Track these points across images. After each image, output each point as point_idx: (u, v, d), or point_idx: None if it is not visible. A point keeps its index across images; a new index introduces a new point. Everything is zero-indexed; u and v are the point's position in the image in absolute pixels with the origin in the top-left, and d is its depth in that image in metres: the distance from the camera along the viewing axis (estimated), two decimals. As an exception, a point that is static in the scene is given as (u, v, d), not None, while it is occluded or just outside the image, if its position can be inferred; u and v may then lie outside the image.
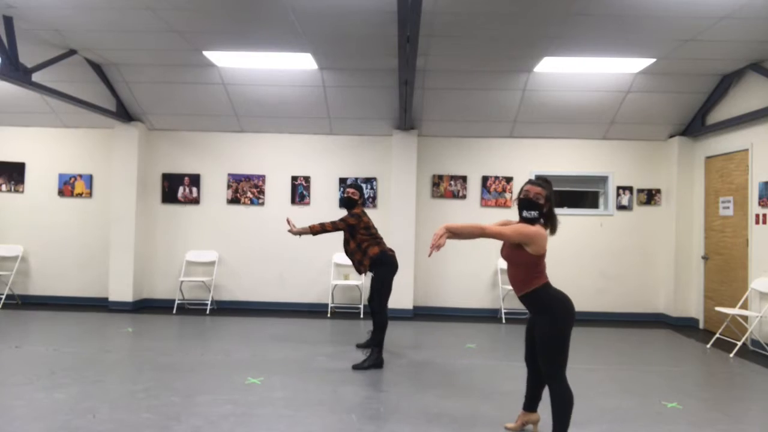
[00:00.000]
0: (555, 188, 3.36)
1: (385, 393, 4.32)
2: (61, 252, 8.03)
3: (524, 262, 3.14)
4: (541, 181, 3.26)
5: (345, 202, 5.37)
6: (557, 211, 3.30)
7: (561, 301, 3.12)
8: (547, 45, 5.85)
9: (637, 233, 7.83)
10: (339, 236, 7.52)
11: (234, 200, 7.99)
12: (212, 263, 7.91)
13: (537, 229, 3.11)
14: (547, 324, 3.09)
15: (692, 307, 7.50)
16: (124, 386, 4.32)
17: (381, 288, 5.15)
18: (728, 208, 6.76)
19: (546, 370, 3.12)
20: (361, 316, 7.45)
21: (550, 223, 3.23)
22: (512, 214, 7.75)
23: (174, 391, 4.18)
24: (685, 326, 7.36)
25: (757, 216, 6.18)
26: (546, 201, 3.19)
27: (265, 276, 7.96)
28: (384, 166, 7.86)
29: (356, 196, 5.33)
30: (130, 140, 7.72)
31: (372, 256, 5.16)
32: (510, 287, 7.42)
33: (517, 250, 3.14)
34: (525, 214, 3.19)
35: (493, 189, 7.89)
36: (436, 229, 7.75)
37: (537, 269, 3.15)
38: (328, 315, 7.57)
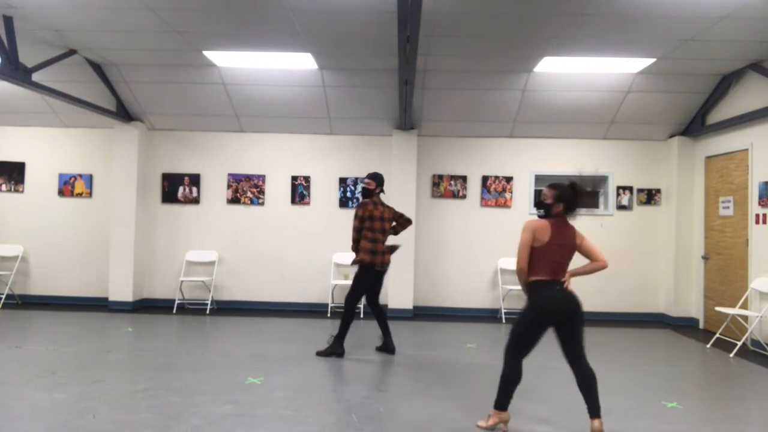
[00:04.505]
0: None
1: (385, 393, 4.33)
2: (61, 252, 8.03)
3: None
4: (554, 184, 3.61)
5: (363, 193, 5.57)
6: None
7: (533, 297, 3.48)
8: (547, 45, 5.85)
9: (637, 233, 7.83)
10: (339, 237, 7.60)
11: (234, 200, 7.99)
12: (212, 263, 7.91)
13: (525, 224, 3.51)
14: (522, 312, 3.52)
15: (692, 307, 7.50)
16: (124, 386, 4.32)
17: (354, 287, 5.35)
18: (728, 208, 6.76)
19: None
20: (362, 315, 7.44)
21: (570, 211, 3.56)
22: (513, 214, 7.81)
23: (174, 391, 4.18)
24: (685, 326, 7.36)
25: (757, 216, 6.18)
26: (554, 200, 3.51)
27: (265, 276, 7.96)
28: (384, 166, 7.82)
29: (371, 186, 5.47)
30: (130, 140, 7.72)
31: (361, 258, 5.29)
32: (509, 287, 7.49)
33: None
34: (537, 212, 3.65)
35: (493, 189, 7.88)
36: (437, 230, 7.69)
37: (535, 261, 3.46)
38: (328, 315, 7.56)
